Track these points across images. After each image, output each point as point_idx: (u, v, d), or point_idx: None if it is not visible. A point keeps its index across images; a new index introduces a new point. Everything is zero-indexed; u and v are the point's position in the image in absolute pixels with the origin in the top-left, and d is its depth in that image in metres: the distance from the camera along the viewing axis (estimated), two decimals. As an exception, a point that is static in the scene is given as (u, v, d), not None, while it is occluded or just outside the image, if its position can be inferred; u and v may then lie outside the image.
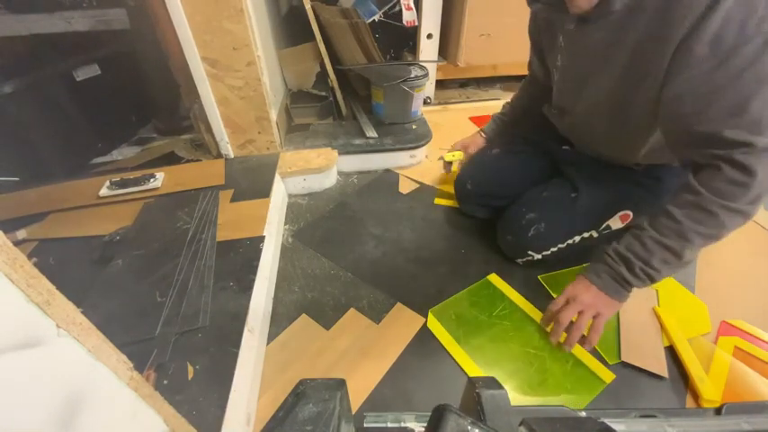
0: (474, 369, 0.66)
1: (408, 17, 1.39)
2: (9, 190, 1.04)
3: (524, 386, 0.64)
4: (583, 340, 0.65)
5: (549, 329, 0.69)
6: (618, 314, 0.75)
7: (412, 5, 1.38)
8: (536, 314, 0.75)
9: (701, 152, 0.56)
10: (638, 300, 0.78)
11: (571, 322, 0.65)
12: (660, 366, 0.66)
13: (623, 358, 0.68)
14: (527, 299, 0.79)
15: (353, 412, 0.61)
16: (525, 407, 0.60)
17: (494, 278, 0.84)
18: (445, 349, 0.70)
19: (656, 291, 0.80)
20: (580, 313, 0.64)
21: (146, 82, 1.36)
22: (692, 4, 0.48)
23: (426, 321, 0.74)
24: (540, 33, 0.77)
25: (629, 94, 0.62)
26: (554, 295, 0.79)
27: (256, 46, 0.96)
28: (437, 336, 0.72)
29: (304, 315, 0.77)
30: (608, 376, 0.65)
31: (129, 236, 0.84)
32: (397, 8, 1.39)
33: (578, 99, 0.73)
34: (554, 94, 0.81)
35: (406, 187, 1.16)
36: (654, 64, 0.55)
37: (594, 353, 0.69)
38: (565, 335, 0.66)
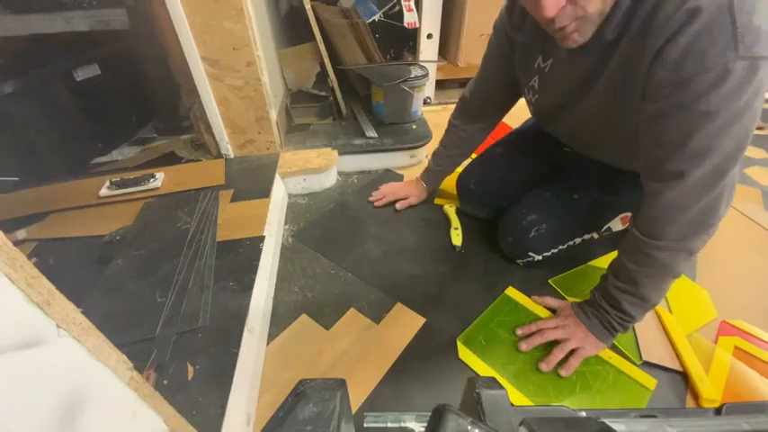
0: (522, 399, 0.62)
1: (409, 19, 1.39)
2: (9, 190, 1.04)
3: (575, 406, 0.60)
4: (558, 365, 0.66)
5: (521, 334, 0.71)
6: None
7: (413, 7, 1.38)
8: None
9: (650, 184, 0.56)
10: None
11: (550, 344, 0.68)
12: (676, 362, 0.67)
13: (645, 358, 0.67)
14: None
15: (353, 412, 0.61)
16: (525, 407, 0.60)
17: (511, 292, 0.81)
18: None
19: None
20: (565, 340, 0.67)
21: (146, 82, 1.36)
22: (660, 30, 0.48)
23: (458, 352, 0.70)
24: (514, 51, 0.74)
25: (615, 113, 0.62)
26: (567, 298, 0.79)
27: (256, 46, 0.96)
28: (472, 367, 0.67)
29: (304, 315, 0.77)
30: (650, 382, 0.64)
31: (129, 236, 0.84)
32: (397, 8, 1.39)
33: (564, 117, 0.72)
34: (533, 110, 0.80)
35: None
36: (631, 87, 0.55)
37: (623, 356, 0.69)
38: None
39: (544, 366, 0.66)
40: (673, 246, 0.54)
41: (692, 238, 0.54)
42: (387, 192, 1.08)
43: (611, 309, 0.64)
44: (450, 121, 0.96)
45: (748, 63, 0.44)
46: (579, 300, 0.72)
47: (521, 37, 0.68)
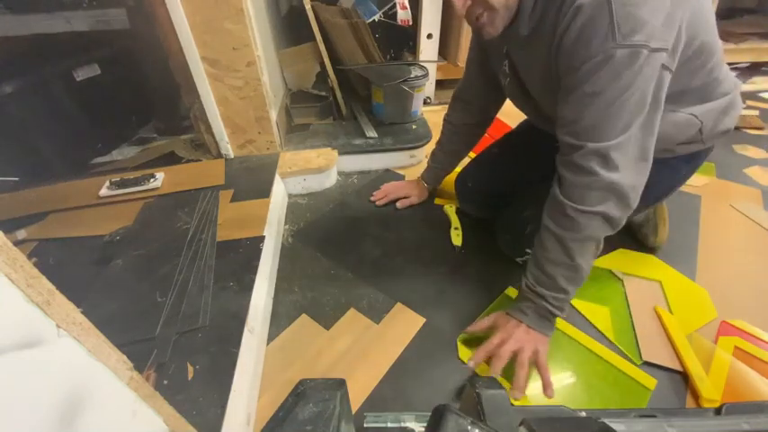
0: (522, 399, 0.62)
1: (403, 16, 1.39)
2: (9, 190, 1.04)
3: (575, 406, 0.60)
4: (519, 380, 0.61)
5: (474, 365, 0.64)
6: (630, 314, 0.75)
7: (407, 4, 1.38)
8: (561, 323, 0.74)
9: (559, 157, 0.62)
10: (646, 297, 0.79)
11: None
12: (676, 362, 0.67)
13: (645, 358, 0.67)
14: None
15: (353, 412, 0.61)
16: (525, 407, 0.60)
17: (512, 292, 0.81)
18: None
19: (661, 285, 0.81)
20: (519, 351, 0.62)
21: (146, 82, 1.36)
22: (558, 25, 0.54)
23: (458, 353, 0.70)
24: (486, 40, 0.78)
25: (555, 100, 0.65)
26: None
27: (256, 46, 0.96)
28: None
29: (304, 315, 0.77)
30: (650, 382, 0.64)
31: (129, 236, 0.84)
32: (397, 8, 1.39)
33: (528, 102, 0.76)
34: (507, 95, 0.83)
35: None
36: (556, 77, 0.60)
37: (623, 356, 0.69)
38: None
39: (518, 394, 0.60)
40: (591, 210, 0.57)
41: (607, 206, 0.57)
42: (388, 190, 1.09)
43: (546, 291, 0.62)
44: (444, 119, 0.98)
45: (627, 51, 0.50)
46: (588, 301, 0.73)
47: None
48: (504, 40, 0.68)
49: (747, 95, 1.76)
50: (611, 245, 0.89)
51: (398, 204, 1.05)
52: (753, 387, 0.63)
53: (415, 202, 1.05)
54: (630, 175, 0.57)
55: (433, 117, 1.45)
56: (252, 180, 1.01)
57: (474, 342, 0.71)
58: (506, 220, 0.86)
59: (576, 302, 0.78)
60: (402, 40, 1.57)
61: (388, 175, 1.23)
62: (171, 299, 0.68)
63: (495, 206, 0.94)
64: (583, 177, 0.58)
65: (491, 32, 0.61)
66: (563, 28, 0.53)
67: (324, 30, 1.28)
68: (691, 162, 0.75)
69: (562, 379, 0.66)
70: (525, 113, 0.86)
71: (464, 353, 0.70)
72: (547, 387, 0.60)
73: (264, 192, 0.96)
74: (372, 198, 1.09)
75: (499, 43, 0.71)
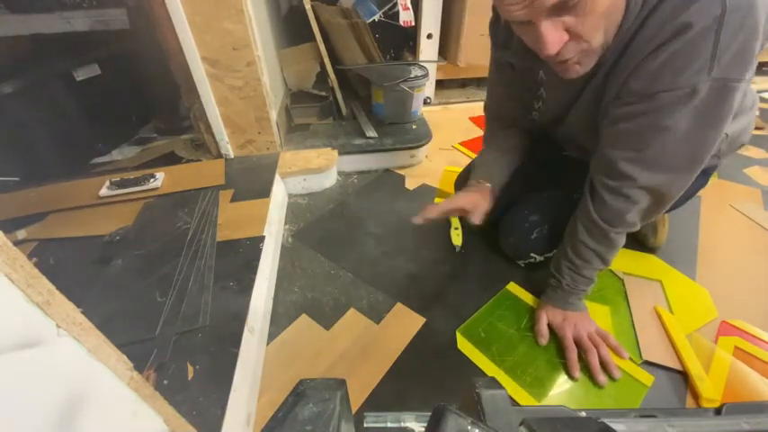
0: (518, 391, 0.63)
1: (405, 17, 1.40)
2: (9, 190, 1.04)
3: (572, 401, 0.62)
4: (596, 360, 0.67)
5: (577, 373, 0.66)
6: (630, 313, 0.76)
7: (409, 5, 1.38)
8: None
9: (602, 179, 0.60)
10: (646, 297, 0.79)
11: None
12: (677, 362, 0.67)
13: (645, 357, 0.68)
14: (538, 296, 0.78)
15: (353, 412, 0.61)
16: (525, 407, 0.60)
17: (513, 287, 0.82)
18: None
19: (661, 284, 0.81)
20: (581, 338, 0.68)
21: (146, 82, 1.36)
22: (645, 43, 0.48)
23: (456, 343, 0.71)
24: (517, 59, 0.71)
25: (595, 124, 0.63)
26: None
27: (256, 46, 0.96)
28: (471, 358, 0.68)
29: (304, 315, 0.77)
30: (647, 379, 0.65)
31: (129, 236, 0.84)
32: (397, 8, 1.39)
33: (560, 125, 0.74)
34: (536, 117, 0.78)
35: (411, 184, 1.17)
36: (610, 98, 0.57)
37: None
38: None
39: (616, 373, 0.65)
40: (625, 229, 0.63)
41: (638, 225, 0.63)
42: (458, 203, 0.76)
43: (585, 287, 0.70)
44: (484, 141, 0.90)
45: (718, 85, 0.45)
46: (589, 300, 0.75)
47: (508, 57, 0.67)
48: (540, 65, 0.65)
49: (747, 95, 1.75)
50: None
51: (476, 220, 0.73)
52: (753, 387, 0.63)
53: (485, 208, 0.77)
54: (677, 196, 0.58)
55: (433, 117, 1.45)
56: (252, 180, 1.01)
57: (473, 335, 0.72)
58: (511, 223, 0.85)
59: (576, 302, 0.78)
60: (402, 40, 1.57)
61: (389, 174, 1.23)
62: (171, 299, 0.68)
63: (496, 209, 0.94)
64: (625, 205, 0.58)
65: (578, 72, 0.54)
66: (655, 45, 0.47)
67: (324, 30, 1.28)
68: (704, 176, 0.74)
69: (562, 379, 0.66)
70: (555, 138, 0.80)
71: (463, 344, 0.71)
72: (615, 372, 0.65)
73: (264, 192, 0.96)
74: (429, 214, 0.71)
75: (532, 68, 0.68)
